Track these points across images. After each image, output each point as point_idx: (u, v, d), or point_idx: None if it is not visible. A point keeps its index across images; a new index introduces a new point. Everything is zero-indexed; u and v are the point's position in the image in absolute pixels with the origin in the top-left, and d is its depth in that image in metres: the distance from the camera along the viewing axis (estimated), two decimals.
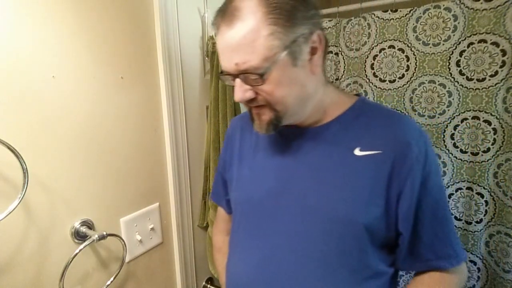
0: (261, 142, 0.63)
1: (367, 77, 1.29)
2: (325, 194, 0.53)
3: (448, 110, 1.16)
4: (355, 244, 0.52)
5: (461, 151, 1.16)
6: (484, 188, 1.14)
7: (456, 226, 1.22)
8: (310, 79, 0.50)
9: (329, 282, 0.53)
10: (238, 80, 0.48)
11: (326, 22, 1.35)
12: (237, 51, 0.44)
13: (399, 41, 1.20)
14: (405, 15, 1.17)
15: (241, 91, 0.48)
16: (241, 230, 0.63)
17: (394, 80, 1.24)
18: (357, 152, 0.53)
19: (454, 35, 1.11)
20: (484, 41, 1.06)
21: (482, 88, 1.09)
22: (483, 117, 1.11)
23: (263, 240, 0.58)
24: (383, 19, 1.21)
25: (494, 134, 1.09)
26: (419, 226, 0.53)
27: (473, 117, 1.12)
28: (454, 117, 1.15)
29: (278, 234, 0.56)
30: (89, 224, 0.72)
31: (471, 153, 1.15)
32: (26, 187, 0.56)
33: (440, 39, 1.13)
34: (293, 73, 0.47)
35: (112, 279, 0.75)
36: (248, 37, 0.43)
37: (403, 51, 1.20)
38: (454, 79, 1.13)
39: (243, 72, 0.46)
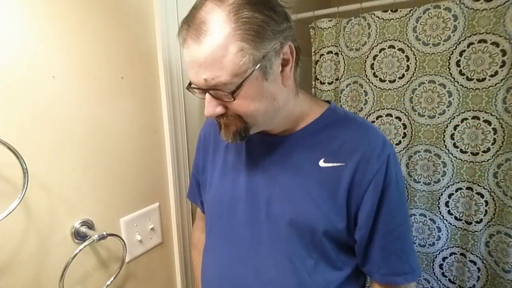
0: (231, 147, 0.63)
1: (367, 77, 1.29)
2: (288, 202, 0.55)
3: (448, 110, 1.16)
4: (317, 250, 0.55)
5: (461, 151, 1.16)
6: (484, 188, 1.14)
7: (456, 226, 1.22)
8: (281, 91, 0.49)
9: (290, 284, 0.55)
10: (208, 95, 0.46)
11: (326, 22, 1.36)
12: (206, 67, 0.43)
13: (399, 41, 1.20)
14: (405, 15, 1.17)
15: (211, 107, 0.47)
16: (212, 233, 0.65)
17: (394, 80, 1.24)
18: (321, 163, 0.53)
19: (454, 35, 1.11)
20: (484, 41, 1.06)
21: (482, 88, 1.09)
22: (483, 117, 1.11)
23: (232, 244, 0.60)
24: (383, 19, 1.21)
25: (494, 134, 1.10)
26: (374, 241, 0.53)
27: (473, 117, 1.12)
28: (454, 117, 1.16)
29: (246, 239, 0.58)
30: (89, 224, 0.72)
31: (471, 153, 1.15)
32: (26, 187, 0.56)
33: (440, 39, 1.13)
34: (264, 87, 0.46)
35: (112, 279, 0.75)
36: (216, 53, 0.41)
37: (403, 51, 1.20)
38: (454, 79, 1.13)
39: (212, 88, 0.44)
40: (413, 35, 1.18)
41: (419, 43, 1.17)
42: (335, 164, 0.53)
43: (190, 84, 0.48)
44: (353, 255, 0.59)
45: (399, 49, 1.21)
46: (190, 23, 0.43)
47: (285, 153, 0.56)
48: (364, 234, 0.53)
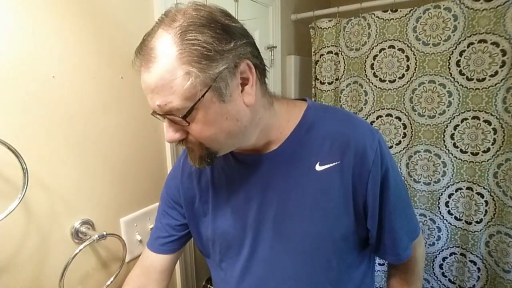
0: (218, 173, 0.60)
1: (367, 77, 1.29)
2: (296, 216, 0.54)
3: (448, 110, 1.16)
4: (335, 257, 0.55)
5: (461, 151, 1.16)
6: (484, 188, 1.14)
7: (456, 226, 1.22)
8: (245, 112, 0.47)
9: None
10: (166, 121, 0.46)
11: (326, 22, 1.36)
12: (157, 93, 0.42)
13: (399, 41, 1.20)
14: (405, 15, 1.18)
15: (171, 132, 0.46)
16: (223, 266, 0.63)
17: (394, 80, 1.24)
18: (318, 167, 0.53)
19: (454, 35, 1.11)
20: (484, 41, 1.06)
21: (482, 88, 1.10)
22: (483, 117, 1.11)
23: (248, 274, 0.59)
24: (383, 19, 1.21)
25: (494, 134, 1.10)
26: (384, 224, 0.55)
27: (473, 117, 1.12)
28: (454, 117, 1.16)
29: (260, 264, 0.57)
30: (89, 224, 0.72)
31: (471, 153, 1.15)
32: (26, 187, 0.56)
33: (440, 39, 1.13)
34: (222, 109, 0.44)
35: (112, 279, 0.75)
36: (165, 78, 0.41)
37: (403, 51, 1.20)
38: (454, 79, 1.14)
39: (167, 113, 0.43)
40: (413, 35, 1.18)
41: (419, 43, 1.17)
42: (331, 165, 0.52)
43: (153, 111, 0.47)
44: (365, 248, 0.60)
45: (399, 49, 1.21)
46: (141, 51, 0.43)
47: (278, 168, 0.55)
48: (374, 222, 0.54)
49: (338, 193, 0.52)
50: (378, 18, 1.22)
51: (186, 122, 0.44)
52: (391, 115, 1.27)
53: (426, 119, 1.20)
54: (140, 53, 0.43)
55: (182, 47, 0.40)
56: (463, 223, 1.20)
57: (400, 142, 1.27)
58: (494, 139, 1.10)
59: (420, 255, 0.64)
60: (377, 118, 1.30)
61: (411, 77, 1.21)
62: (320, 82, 1.43)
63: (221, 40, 0.42)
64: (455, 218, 1.22)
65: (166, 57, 0.40)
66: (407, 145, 1.26)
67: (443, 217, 1.23)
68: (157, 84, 0.41)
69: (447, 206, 1.22)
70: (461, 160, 1.17)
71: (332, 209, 0.52)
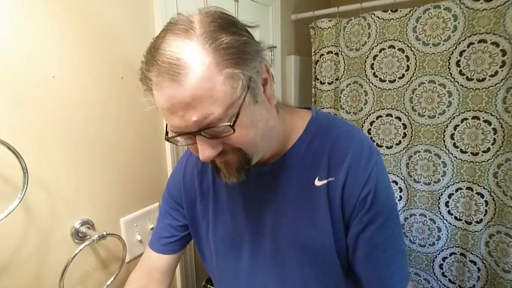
0: (220, 181, 0.58)
1: (367, 77, 1.29)
2: (293, 228, 0.53)
3: (448, 110, 1.16)
4: (330, 270, 0.53)
5: (461, 151, 1.16)
6: (484, 188, 1.14)
7: (456, 226, 1.22)
8: (270, 111, 0.47)
9: None
10: (200, 137, 0.41)
11: (326, 22, 1.36)
12: (194, 107, 0.37)
13: (399, 41, 1.20)
14: (405, 15, 1.18)
15: (208, 148, 0.41)
16: (221, 272, 0.63)
17: (394, 80, 1.24)
18: (317, 182, 0.51)
19: (454, 35, 1.11)
20: (484, 41, 1.06)
21: (482, 88, 1.10)
22: (483, 117, 1.11)
23: (245, 281, 0.59)
24: (383, 19, 1.21)
25: (494, 134, 1.10)
26: (365, 254, 0.51)
27: (473, 117, 1.12)
28: (454, 117, 1.16)
29: (258, 271, 0.57)
30: (89, 224, 0.72)
31: (471, 153, 1.15)
32: (26, 187, 0.56)
33: (440, 39, 1.13)
34: (256, 110, 0.43)
35: (112, 279, 0.75)
36: (203, 87, 0.36)
37: (403, 51, 1.20)
38: (454, 79, 1.14)
39: (207, 127, 0.39)
40: (413, 35, 1.18)
41: (419, 43, 1.17)
42: (328, 180, 0.51)
43: (167, 133, 0.43)
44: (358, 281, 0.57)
45: (399, 49, 1.21)
46: (160, 64, 0.37)
47: (278, 180, 0.54)
48: (355, 250, 0.52)
49: (332, 210, 0.50)
50: (378, 18, 1.22)
51: (231, 130, 0.40)
52: (391, 115, 1.27)
53: (426, 119, 1.20)
54: (158, 67, 0.37)
55: (217, 52, 0.37)
56: (463, 223, 1.20)
57: (400, 142, 1.27)
58: (494, 139, 1.10)
59: None
60: (377, 118, 1.30)
61: (411, 77, 1.21)
62: (320, 82, 1.43)
63: (253, 39, 0.41)
64: (455, 218, 1.22)
65: (200, 65, 0.36)
66: (407, 145, 1.26)
67: (443, 217, 1.23)
68: (195, 96, 0.37)
69: (447, 206, 1.22)
70: (461, 160, 1.17)
71: (326, 226, 0.51)
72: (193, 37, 0.37)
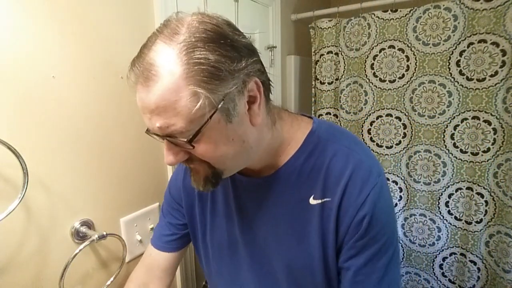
0: (217, 190, 0.58)
1: (367, 77, 1.29)
2: (283, 245, 0.52)
3: (448, 110, 1.16)
4: None
5: (461, 151, 1.16)
6: (484, 188, 1.14)
7: (456, 226, 1.22)
8: (251, 132, 0.44)
9: None
10: (166, 142, 0.42)
11: (326, 22, 1.36)
12: (158, 114, 0.38)
13: (399, 41, 1.20)
14: (405, 15, 1.17)
15: (172, 154, 0.42)
16: (218, 277, 0.64)
17: (394, 80, 1.24)
18: (312, 200, 0.50)
19: (454, 35, 1.11)
20: (484, 41, 1.06)
21: (482, 88, 1.10)
22: (483, 117, 1.11)
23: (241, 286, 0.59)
24: (383, 19, 1.21)
25: (494, 134, 1.10)
26: (352, 284, 0.49)
27: (473, 117, 1.12)
28: (454, 117, 1.16)
29: (253, 280, 0.57)
30: (89, 224, 0.72)
31: (471, 153, 1.15)
32: (26, 187, 0.56)
33: (440, 39, 1.13)
34: (228, 130, 0.41)
35: (112, 279, 0.75)
36: (168, 99, 0.36)
37: (403, 51, 1.20)
38: (454, 79, 1.13)
39: (169, 135, 0.39)
40: (413, 35, 1.18)
41: (419, 43, 1.17)
42: (323, 200, 0.49)
43: (147, 129, 0.43)
44: None
45: (399, 49, 1.21)
46: (138, 65, 0.38)
47: (273, 193, 0.53)
48: (345, 276, 0.50)
49: (323, 231, 0.49)
50: (378, 18, 1.22)
51: (190, 146, 0.40)
52: (391, 115, 1.27)
53: (426, 119, 1.20)
54: (137, 67, 0.38)
55: (189, 66, 0.36)
56: (463, 223, 1.20)
57: (400, 142, 1.27)
58: (494, 139, 1.10)
59: None
60: (377, 118, 1.30)
61: (411, 77, 1.21)
62: (320, 82, 1.43)
63: (232, 59, 0.38)
64: (455, 218, 1.22)
65: (169, 75, 0.36)
66: (407, 145, 1.26)
67: (443, 217, 1.23)
68: (158, 105, 0.37)
69: (447, 206, 1.22)
70: (461, 160, 1.17)
71: (317, 246, 0.49)
72: (173, 44, 0.37)
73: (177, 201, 0.66)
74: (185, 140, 0.39)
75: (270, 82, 0.47)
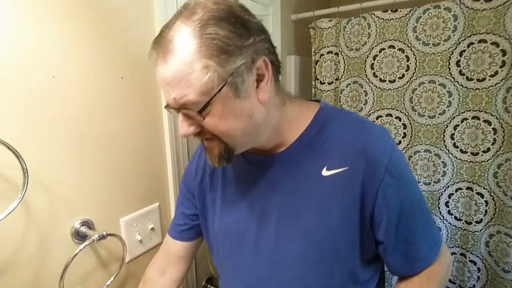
0: (228, 171, 0.61)
1: (367, 77, 1.29)
2: (298, 221, 0.53)
3: (448, 110, 1.16)
4: (336, 265, 0.53)
5: (461, 151, 1.16)
6: (484, 188, 1.14)
7: (456, 226, 1.22)
8: (258, 108, 0.47)
9: None
10: (180, 115, 0.46)
11: (326, 22, 1.36)
12: (173, 86, 0.42)
13: (399, 41, 1.20)
14: (405, 15, 1.17)
15: (185, 126, 0.46)
16: (225, 264, 0.63)
17: (394, 80, 1.24)
18: (325, 172, 0.51)
19: (454, 35, 1.11)
20: (484, 41, 1.06)
21: (482, 88, 1.09)
22: (483, 117, 1.11)
23: (248, 274, 0.58)
24: (383, 19, 1.21)
25: (494, 134, 1.10)
26: (403, 233, 0.52)
27: (473, 117, 1.12)
28: (454, 117, 1.16)
29: (260, 265, 0.57)
30: (89, 224, 0.72)
31: (471, 153, 1.15)
32: (26, 187, 0.56)
33: (440, 39, 1.13)
34: (236, 105, 0.44)
35: (112, 279, 0.75)
36: (182, 71, 0.41)
37: (403, 51, 1.20)
38: (454, 79, 1.13)
39: (183, 106, 0.43)
40: (413, 35, 1.18)
41: (419, 43, 1.17)
42: (339, 170, 0.50)
43: (167, 105, 0.47)
44: (374, 263, 0.57)
45: (399, 49, 1.21)
46: (158, 43, 0.43)
47: (285, 169, 0.54)
48: (389, 233, 0.52)
49: (344, 200, 0.50)
50: (378, 18, 1.22)
51: (200, 117, 0.44)
52: (391, 115, 1.27)
53: (426, 119, 1.20)
54: (157, 45, 0.43)
55: (202, 40, 0.40)
56: (463, 223, 1.20)
57: (400, 142, 1.27)
58: (494, 139, 1.10)
59: (441, 265, 0.57)
60: (377, 118, 1.30)
61: (411, 77, 1.21)
62: (320, 82, 1.43)
63: (240, 35, 0.42)
64: (455, 218, 1.22)
65: (185, 50, 0.40)
66: (407, 145, 1.26)
67: (443, 217, 1.23)
68: (174, 77, 0.41)
69: (447, 206, 1.22)
70: (461, 160, 1.17)
71: (336, 216, 0.50)
72: (190, 22, 0.41)
73: (189, 190, 0.67)
74: (197, 110, 0.43)
75: (280, 64, 0.50)
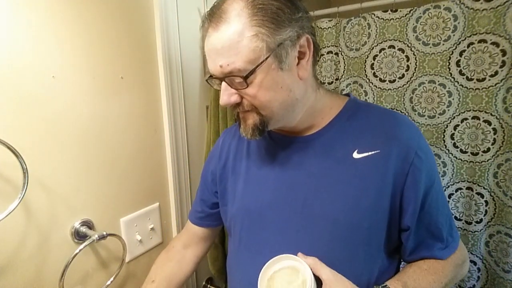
0: (253, 153, 0.62)
1: (367, 77, 1.29)
2: (327, 201, 0.53)
3: (448, 110, 1.16)
4: (361, 248, 0.53)
5: (461, 151, 1.16)
6: (484, 188, 1.14)
7: (456, 227, 1.22)
8: (298, 84, 0.49)
9: None
10: (224, 84, 0.47)
11: (326, 22, 1.35)
12: (222, 53, 0.44)
13: (399, 41, 1.20)
14: (405, 15, 1.17)
15: (227, 95, 0.48)
16: (242, 246, 0.62)
17: (394, 80, 1.24)
18: (356, 155, 0.53)
19: (454, 35, 1.11)
20: (484, 41, 1.06)
21: (482, 88, 1.09)
22: (483, 117, 1.11)
23: (268, 254, 0.56)
24: (383, 19, 1.21)
25: (494, 134, 1.09)
26: (425, 219, 0.54)
27: (473, 117, 1.12)
28: (454, 117, 1.15)
29: (283, 246, 0.55)
30: (89, 224, 0.72)
31: (471, 153, 1.15)
32: (26, 187, 0.56)
33: (440, 39, 1.13)
34: (278, 77, 0.46)
35: (112, 279, 0.75)
36: (232, 38, 0.43)
37: (403, 51, 1.20)
38: (454, 79, 1.13)
39: (228, 75, 0.45)
40: (413, 35, 1.18)
41: (419, 43, 1.17)
42: (370, 153, 0.52)
43: (210, 76, 0.49)
44: (394, 260, 0.58)
45: (399, 49, 1.21)
46: (212, 14, 0.45)
47: (315, 151, 0.55)
48: (414, 218, 0.53)
49: (375, 183, 0.51)
50: (378, 18, 1.22)
51: (245, 84, 0.45)
52: None
53: (426, 119, 1.20)
54: (211, 15, 0.45)
55: (254, 10, 0.42)
56: (463, 223, 1.20)
57: None
58: (494, 139, 1.10)
59: (460, 250, 0.60)
60: None
61: (411, 77, 1.21)
62: (320, 82, 1.43)
63: (291, 9, 0.44)
64: (455, 218, 1.22)
65: (237, 19, 0.43)
66: None
67: None
68: (224, 44, 0.43)
69: None
70: (461, 160, 1.17)
71: (366, 198, 0.51)
72: None
73: (211, 178, 0.69)
74: (241, 77, 0.44)
75: (320, 48, 0.52)
